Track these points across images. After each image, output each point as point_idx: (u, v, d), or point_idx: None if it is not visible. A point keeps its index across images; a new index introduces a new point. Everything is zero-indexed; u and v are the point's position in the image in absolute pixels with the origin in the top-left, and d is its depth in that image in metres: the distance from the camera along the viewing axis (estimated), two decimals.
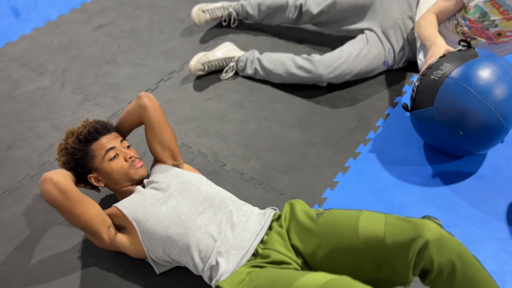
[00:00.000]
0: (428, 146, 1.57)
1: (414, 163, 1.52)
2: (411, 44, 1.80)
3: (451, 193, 1.42)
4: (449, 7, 1.64)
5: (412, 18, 1.78)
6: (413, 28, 1.78)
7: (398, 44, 1.80)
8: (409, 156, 1.54)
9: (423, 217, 0.97)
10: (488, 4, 1.58)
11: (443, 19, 1.67)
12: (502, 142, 1.48)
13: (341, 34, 2.09)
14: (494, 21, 1.59)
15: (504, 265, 1.22)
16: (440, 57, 1.43)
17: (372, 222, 0.98)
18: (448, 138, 1.39)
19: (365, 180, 1.48)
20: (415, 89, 1.44)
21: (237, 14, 2.17)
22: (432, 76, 1.38)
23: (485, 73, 1.32)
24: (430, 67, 1.41)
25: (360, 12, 1.86)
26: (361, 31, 1.85)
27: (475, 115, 1.31)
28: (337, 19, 1.94)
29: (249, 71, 1.89)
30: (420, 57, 1.81)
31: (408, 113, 1.68)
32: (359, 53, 1.75)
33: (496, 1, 1.56)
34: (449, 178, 1.46)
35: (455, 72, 1.34)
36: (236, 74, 1.95)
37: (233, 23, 2.20)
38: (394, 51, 1.80)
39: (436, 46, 1.50)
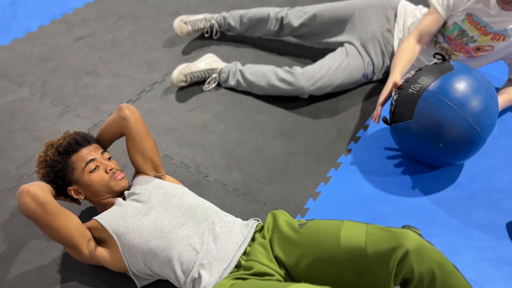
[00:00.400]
0: (408, 157, 1.60)
1: (394, 174, 1.54)
2: (389, 56, 1.84)
3: (430, 203, 1.44)
4: (429, 28, 1.68)
5: (390, 31, 1.82)
6: (391, 41, 1.82)
7: (377, 56, 1.84)
8: (389, 166, 1.57)
9: (403, 227, 0.99)
10: (466, 22, 1.63)
11: (427, 40, 1.71)
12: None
13: (321, 46, 2.13)
14: (472, 37, 1.64)
15: (482, 273, 1.25)
16: (417, 71, 1.46)
17: (353, 232, 0.99)
18: (428, 150, 1.42)
19: (346, 190, 1.50)
20: (393, 103, 1.47)
21: (219, 26, 2.19)
22: (410, 90, 1.42)
23: (461, 86, 1.36)
24: (408, 81, 1.45)
25: (340, 25, 1.90)
26: (341, 44, 1.89)
27: (454, 127, 1.34)
28: (317, 32, 1.97)
29: (232, 82, 1.91)
30: None
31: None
32: (339, 66, 1.78)
33: (474, 19, 1.61)
34: (428, 188, 1.49)
35: (433, 86, 1.37)
36: (219, 85, 1.96)
37: (215, 34, 2.21)
38: (373, 64, 1.84)
39: (388, 80, 1.58)
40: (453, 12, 1.64)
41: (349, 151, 1.64)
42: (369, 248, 0.94)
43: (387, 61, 1.85)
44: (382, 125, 1.73)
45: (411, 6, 1.85)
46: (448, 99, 1.34)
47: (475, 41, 1.65)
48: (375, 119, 1.56)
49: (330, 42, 1.96)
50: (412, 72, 1.47)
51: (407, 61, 1.64)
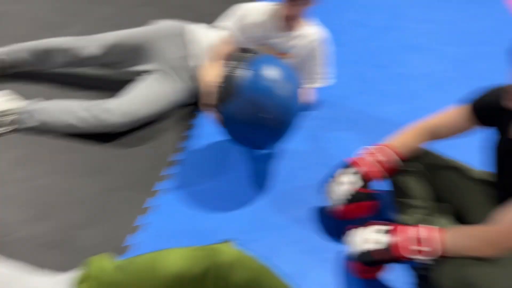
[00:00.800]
0: (224, 173, 1.68)
1: (214, 191, 1.61)
2: (194, 81, 1.92)
3: (251, 211, 1.55)
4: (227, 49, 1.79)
5: (185, 58, 1.89)
6: (193, 66, 1.89)
7: (185, 82, 1.89)
8: (207, 184, 1.63)
9: (221, 242, 1.03)
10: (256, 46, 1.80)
11: None
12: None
13: (127, 77, 2.06)
14: None
15: (301, 265, 1.38)
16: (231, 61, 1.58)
17: (169, 261, 0.98)
18: (250, 132, 1.54)
19: (169, 216, 1.50)
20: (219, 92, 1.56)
21: (7, 61, 1.94)
22: (229, 77, 1.52)
23: (272, 72, 1.51)
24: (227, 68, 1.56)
25: (141, 54, 1.89)
26: (146, 72, 1.88)
27: (270, 109, 1.48)
28: (120, 60, 1.92)
29: (33, 123, 1.71)
30: None
31: (202, 145, 1.78)
32: (147, 95, 1.78)
33: (263, 42, 1.81)
34: (247, 200, 1.59)
35: (247, 72, 1.50)
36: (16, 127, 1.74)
37: (8, 70, 1.96)
38: (181, 89, 1.88)
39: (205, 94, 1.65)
40: (242, 37, 1.81)
41: (167, 176, 1.64)
42: (186, 273, 0.95)
43: (192, 86, 1.92)
44: (196, 147, 1.78)
45: (199, 29, 1.93)
46: (262, 83, 1.49)
47: None
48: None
49: (136, 70, 1.92)
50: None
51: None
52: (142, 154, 1.71)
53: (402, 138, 1.43)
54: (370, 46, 2.66)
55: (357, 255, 1.25)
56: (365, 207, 1.43)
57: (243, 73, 1.51)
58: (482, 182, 1.38)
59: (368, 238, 1.23)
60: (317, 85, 2.01)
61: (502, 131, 1.24)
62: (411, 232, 1.19)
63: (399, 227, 1.22)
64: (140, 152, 1.72)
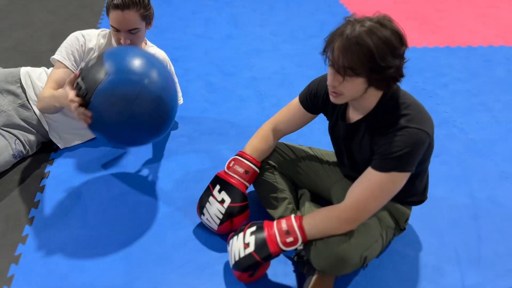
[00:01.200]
0: (90, 220, 1.56)
1: (86, 237, 1.48)
2: (39, 128, 1.76)
3: (128, 250, 1.46)
4: (64, 77, 1.63)
5: (25, 105, 1.73)
6: (31, 114, 1.74)
7: (23, 134, 1.72)
8: (76, 232, 1.49)
9: None
10: None
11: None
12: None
13: None
14: None
15: (193, 285, 1.35)
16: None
17: None
18: (125, 129, 1.37)
19: (36, 277, 1.33)
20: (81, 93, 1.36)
21: None
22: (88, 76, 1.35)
23: (135, 61, 1.37)
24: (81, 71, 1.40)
25: None
26: None
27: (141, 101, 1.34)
28: None
29: None
30: (53, 134, 1.79)
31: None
32: None
33: None
34: (121, 240, 1.50)
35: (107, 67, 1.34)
36: None
37: None
38: (21, 141, 1.71)
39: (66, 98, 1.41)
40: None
41: (26, 237, 1.46)
42: None
43: (37, 133, 1.76)
44: (54, 195, 1.62)
45: (35, 71, 1.80)
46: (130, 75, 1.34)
47: None
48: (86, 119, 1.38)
49: None
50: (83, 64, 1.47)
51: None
52: None
53: (254, 144, 1.49)
54: (218, 56, 2.75)
55: (237, 265, 1.24)
56: (239, 220, 1.43)
57: (102, 69, 1.34)
58: (331, 161, 1.52)
59: (245, 243, 1.24)
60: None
61: (331, 117, 1.37)
62: (276, 226, 1.23)
63: (266, 224, 1.26)
64: None
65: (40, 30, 2.95)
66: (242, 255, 1.23)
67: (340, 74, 1.09)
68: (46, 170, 1.74)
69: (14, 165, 1.74)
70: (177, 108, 1.52)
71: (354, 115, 1.25)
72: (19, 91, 1.74)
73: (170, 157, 1.87)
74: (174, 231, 1.52)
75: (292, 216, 1.25)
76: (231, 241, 1.30)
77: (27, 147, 1.74)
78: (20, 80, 1.74)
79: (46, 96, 1.59)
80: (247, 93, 2.37)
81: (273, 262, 1.40)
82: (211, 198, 1.43)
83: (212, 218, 1.43)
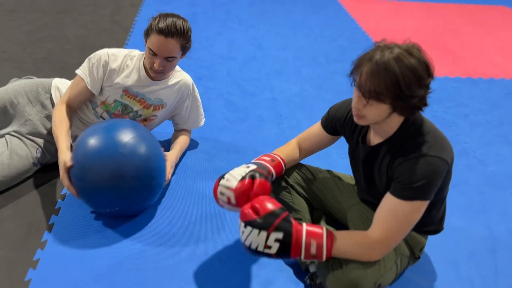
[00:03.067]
0: (102, 234, 1.59)
1: (102, 247, 1.51)
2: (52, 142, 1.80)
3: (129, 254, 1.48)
4: (81, 94, 1.71)
5: (51, 116, 1.78)
6: None
7: (45, 143, 1.76)
8: (93, 241, 1.52)
9: None
10: (125, 97, 1.74)
11: (78, 105, 1.74)
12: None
13: None
14: (137, 111, 1.77)
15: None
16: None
17: None
18: (114, 197, 1.48)
19: (53, 283, 1.35)
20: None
21: None
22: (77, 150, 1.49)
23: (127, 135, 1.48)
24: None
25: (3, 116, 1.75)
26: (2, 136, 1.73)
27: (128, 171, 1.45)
28: None
29: None
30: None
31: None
32: None
33: (131, 93, 1.74)
34: (128, 242, 1.53)
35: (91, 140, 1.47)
36: None
37: None
38: (42, 150, 1.75)
39: (60, 162, 1.54)
40: (105, 85, 1.73)
41: (45, 242, 1.49)
42: None
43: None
44: (74, 204, 1.66)
45: (65, 84, 1.85)
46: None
47: (140, 115, 1.80)
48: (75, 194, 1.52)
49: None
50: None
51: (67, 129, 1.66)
52: (10, 227, 1.54)
53: (280, 148, 1.51)
54: (240, 76, 2.80)
55: (251, 252, 1.20)
56: (261, 185, 1.28)
57: (89, 141, 1.47)
58: (349, 185, 1.53)
59: (267, 244, 1.16)
60: (194, 127, 2.03)
61: (352, 140, 1.38)
62: (305, 242, 1.17)
63: (295, 233, 1.17)
64: (8, 225, 1.55)
65: (71, 43, 3.06)
66: (260, 250, 1.17)
67: (364, 98, 1.11)
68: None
69: (37, 172, 1.79)
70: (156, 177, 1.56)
71: (374, 139, 1.27)
72: (47, 102, 1.79)
73: (188, 173, 1.90)
74: (189, 246, 1.53)
75: (324, 236, 1.18)
76: (249, 229, 1.18)
77: (48, 156, 1.78)
78: (51, 92, 1.80)
79: (55, 118, 1.67)
80: (267, 113, 2.40)
81: (284, 284, 1.40)
82: (235, 168, 1.35)
83: (233, 177, 1.30)
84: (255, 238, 1.17)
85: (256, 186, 1.27)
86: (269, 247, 1.17)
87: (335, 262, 1.21)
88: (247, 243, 1.19)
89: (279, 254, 1.18)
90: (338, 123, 1.40)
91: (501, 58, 3.35)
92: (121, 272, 1.41)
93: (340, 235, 1.22)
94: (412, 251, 1.35)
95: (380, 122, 1.18)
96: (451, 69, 3.11)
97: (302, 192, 1.52)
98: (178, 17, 1.64)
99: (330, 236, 1.19)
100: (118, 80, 1.72)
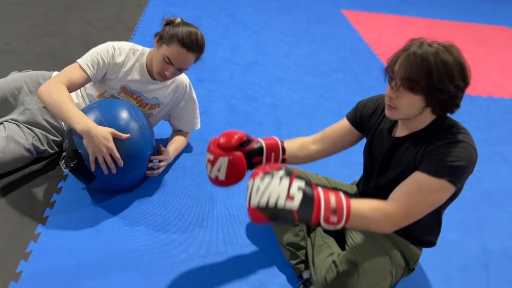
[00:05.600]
0: (97, 229, 1.58)
1: (96, 243, 1.50)
2: (60, 130, 1.80)
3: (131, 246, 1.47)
4: (79, 80, 1.64)
5: None
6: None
7: (42, 133, 1.75)
8: (86, 237, 1.51)
9: None
10: (122, 94, 1.75)
11: (72, 91, 1.65)
12: None
13: None
14: None
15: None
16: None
17: None
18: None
19: (44, 276, 1.34)
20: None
21: None
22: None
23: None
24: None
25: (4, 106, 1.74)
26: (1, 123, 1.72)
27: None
28: None
29: None
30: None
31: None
32: None
33: (128, 90, 1.74)
34: (126, 235, 1.52)
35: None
36: None
37: None
38: (39, 139, 1.74)
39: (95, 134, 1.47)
40: (107, 77, 1.72)
41: (38, 235, 1.49)
42: None
43: (55, 136, 1.80)
44: (68, 198, 1.66)
45: None
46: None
47: None
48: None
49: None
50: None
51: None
52: (1, 218, 1.53)
53: (287, 143, 1.44)
54: (242, 80, 2.81)
55: (268, 210, 1.04)
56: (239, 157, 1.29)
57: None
58: (346, 192, 1.52)
59: (290, 194, 1.04)
60: (190, 129, 2.03)
61: (376, 129, 1.35)
62: (323, 197, 1.07)
63: (314, 187, 1.09)
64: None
65: (75, 39, 3.06)
66: (281, 205, 1.02)
67: (397, 86, 1.11)
68: (65, 173, 1.78)
69: (34, 164, 1.79)
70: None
71: (401, 132, 1.25)
72: None
73: (186, 173, 1.89)
74: (183, 247, 1.53)
75: (341, 193, 1.11)
76: (268, 179, 1.05)
77: (45, 146, 1.77)
78: None
79: (58, 94, 1.54)
80: (267, 118, 2.41)
81: (279, 286, 1.40)
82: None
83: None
84: (276, 188, 1.03)
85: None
86: (292, 199, 1.03)
87: (329, 270, 1.21)
88: (264, 199, 1.03)
89: (301, 211, 1.03)
90: (366, 114, 1.38)
91: (501, 77, 3.38)
92: (114, 269, 1.40)
93: (356, 199, 1.13)
94: (407, 262, 1.35)
95: (412, 118, 1.18)
96: None
97: None
98: (197, 29, 1.64)
99: (347, 196, 1.12)
100: (119, 75, 1.72)
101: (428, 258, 1.56)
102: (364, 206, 1.13)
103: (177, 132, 2.01)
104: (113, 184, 1.63)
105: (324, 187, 1.52)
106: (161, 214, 1.65)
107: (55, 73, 1.85)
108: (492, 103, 2.94)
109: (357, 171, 1.63)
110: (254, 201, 1.05)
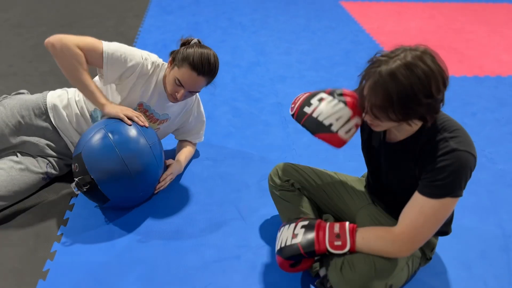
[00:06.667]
0: (111, 243, 1.59)
1: (110, 256, 1.51)
2: (69, 153, 1.79)
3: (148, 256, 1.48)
4: (93, 62, 1.57)
5: (52, 139, 1.76)
6: (62, 143, 1.77)
7: (56, 158, 1.77)
8: (101, 251, 1.52)
9: None
10: (138, 111, 1.70)
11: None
12: None
13: None
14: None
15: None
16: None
17: None
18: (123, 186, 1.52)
19: None
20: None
21: None
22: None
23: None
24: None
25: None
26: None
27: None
28: None
29: None
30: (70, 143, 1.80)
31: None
32: (9, 174, 1.62)
33: (144, 107, 1.72)
34: (136, 249, 1.52)
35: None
36: None
37: None
38: (52, 165, 1.76)
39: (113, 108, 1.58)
40: (124, 85, 1.66)
41: (54, 253, 1.50)
42: None
43: (64, 161, 1.81)
44: (79, 214, 1.67)
45: (61, 98, 1.76)
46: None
47: None
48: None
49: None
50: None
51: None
52: (17, 237, 1.54)
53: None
54: (244, 82, 2.81)
55: (281, 251, 1.28)
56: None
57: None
58: (356, 187, 1.51)
59: (295, 233, 1.27)
60: (196, 140, 2.02)
61: (369, 135, 1.35)
62: (328, 226, 1.25)
63: (319, 222, 1.28)
64: (14, 234, 1.55)
65: None
66: (288, 243, 1.26)
67: (370, 115, 1.11)
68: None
69: (43, 191, 1.79)
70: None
71: (395, 136, 1.24)
72: (46, 124, 1.73)
73: (194, 179, 1.89)
74: (196, 253, 1.53)
75: (347, 222, 1.25)
76: (282, 228, 1.34)
77: (57, 170, 1.79)
78: (47, 112, 1.73)
79: (76, 62, 1.50)
80: (272, 118, 2.40)
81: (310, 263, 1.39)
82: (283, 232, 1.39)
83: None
84: (286, 232, 1.30)
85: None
86: (296, 236, 1.26)
87: (345, 264, 1.19)
88: (278, 245, 1.30)
89: (304, 243, 1.23)
90: None
91: (508, 56, 3.32)
92: (130, 281, 1.41)
93: (363, 228, 1.25)
94: (424, 252, 1.33)
95: (397, 126, 1.16)
96: (457, 68, 3.09)
97: (309, 196, 1.51)
98: (211, 51, 1.61)
99: (353, 225, 1.25)
100: (138, 91, 1.67)
101: (445, 246, 1.54)
102: (370, 234, 1.22)
103: (184, 141, 2.01)
104: (126, 203, 1.65)
105: (333, 182, 1.52)
106: (173, 222, 1.66)
107: (49, 96, 1.76)
108: (501, 83, 2.89)
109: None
110: (276, 249, 1.32)
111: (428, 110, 1.06)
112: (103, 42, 1.58)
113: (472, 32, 3.78)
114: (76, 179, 1.52)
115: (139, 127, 1.59)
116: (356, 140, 1.44)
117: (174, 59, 1.62)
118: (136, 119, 1.59)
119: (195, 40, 1.65)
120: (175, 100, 1.67)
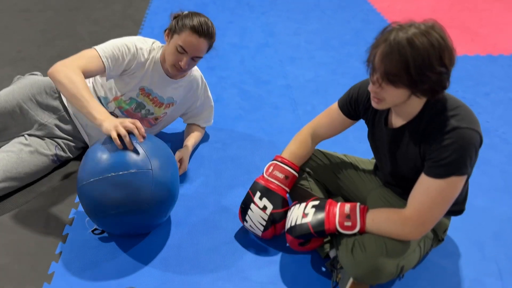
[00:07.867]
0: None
1: (120, 240, 1.52)
2: (79, 136, 1.81)
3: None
4: (95, 70, 1.56)
5: (64, 118, 1.77)
6: (72, 126, 1.78)
7: (65, 140, 1.78)
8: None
9: None
10: (140, 96, 1.72)
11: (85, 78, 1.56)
12: None
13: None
14: (149, 110, 1.76)
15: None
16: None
17: None
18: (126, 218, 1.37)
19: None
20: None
21: None
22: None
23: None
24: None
25: (15, 119, 1.70)
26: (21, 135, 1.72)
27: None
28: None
29: None
30: (92, 141, 1.81)
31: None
32: (18, 156, 1.63)
33: (146, 91, 1.73)
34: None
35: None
36: None
37: None
38: (61, 147, 1.77)
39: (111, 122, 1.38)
40: (124, 76, 1.68)
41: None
42: None
43: (76, 139, 1.82)
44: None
45: None
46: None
47: (152, 113, 1.79)
48: None
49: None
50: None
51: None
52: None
53: (292, 149, 1.48)
54: (253, 64, 2.77)
55: (291, 230, 1.30)
56: (282, 225, 1.42)
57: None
58: (367, 169, 1.50)
59: (305, 213, 1.29)
60: (205, 124, 2.01)
61: (373, 123, 1.34)
62: (339, 206, 1.27)
63: (330, 202, 1.30)
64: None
65: (84, 39, 3.08)
66: (298, 222, 1.29)
67: (378, 81, 1.08)
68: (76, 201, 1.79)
69: (54, 174, 1.79)
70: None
71: (397, 121, 1.23)
72: (57, 103, 1.76)
73: (204, 163, 1.89)
74: (207, 235, 1.53)
75: (358, 203, 1.27)
76: (293, 208, 1.36)
77: (68, 153, 1.80)
78: (58, 91, 1.76)
79: (75, 81, 1.46)
80: (281, 101, 2.38)
81: (305, 269, 1.39)
82: (252, 205, 1.42)
83: (255, 225, 1.43)
84: (296, 211, 1.32)
85: (278, 229, 1.43)
86: (306, 215, 1.28)
87: (355, 246, 1.19)
88: (288, 224, 1.33)
89: (314, 222, 1.26)
90: (359, 105, 1.35)
91: None
92: (143, 268, 1.43)
93: (373, 209, 1.25)
94: (436, 233, 1.32)
95: (400, 104, 1.14)
96: (470, 47, 3.02)
97: (319, 179, 1.50)
98: (206, 17, 1.63)
99: (364, 206, 1.26)
100: (140, 77, 1.69)
101: (458, 227, 1.52)
102: (381, 216, 1.22)
103: (193, 125, 2.00)
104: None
105: (343, 164, 1.50)
106: (183, 205, 1.66)
107: None
108: None
109: None
110: (285, 228, 1.35)
111: (438, 81, 1.06)
112: (96, 48, 1.59)
113: (486, 10, 3.68)
114: (90, 231, 1.50)
115: (133, 157, 1.35)
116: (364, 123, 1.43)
117: (171, 30, 1.62)
118: (136, 131, 1.36)
119: (186, 12, 1.65)
120: (178, 70, 1.65)
